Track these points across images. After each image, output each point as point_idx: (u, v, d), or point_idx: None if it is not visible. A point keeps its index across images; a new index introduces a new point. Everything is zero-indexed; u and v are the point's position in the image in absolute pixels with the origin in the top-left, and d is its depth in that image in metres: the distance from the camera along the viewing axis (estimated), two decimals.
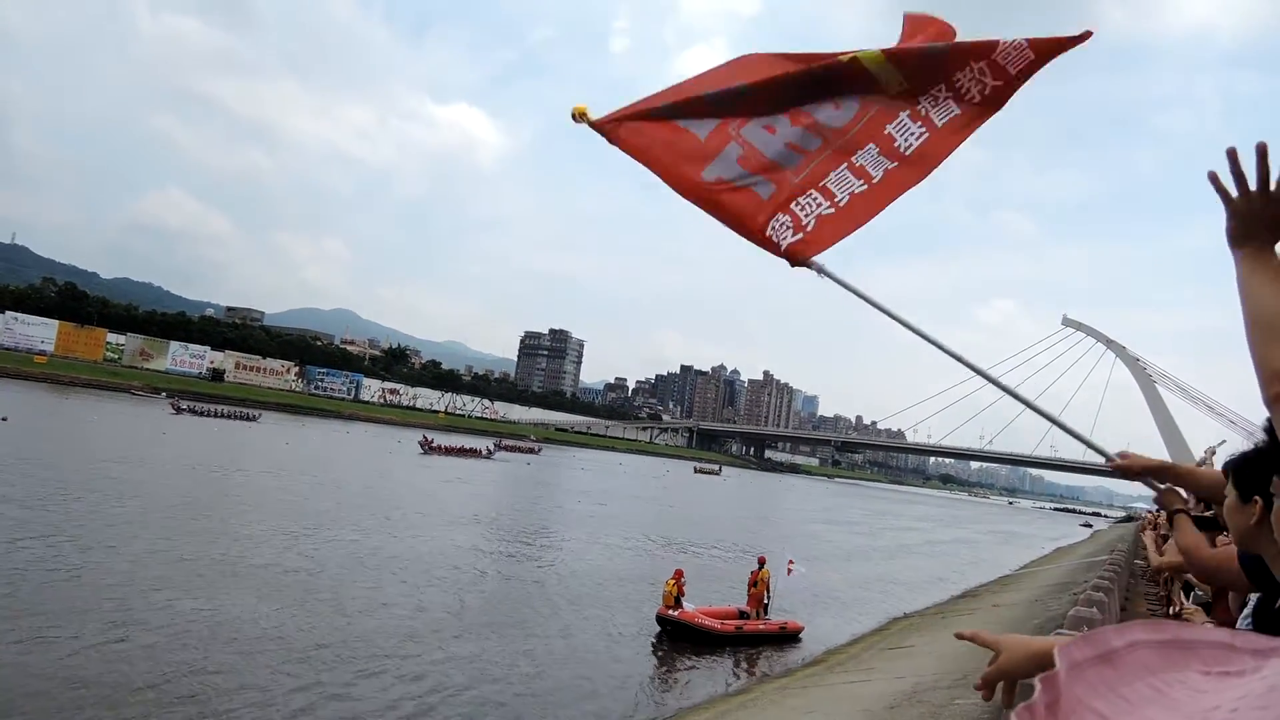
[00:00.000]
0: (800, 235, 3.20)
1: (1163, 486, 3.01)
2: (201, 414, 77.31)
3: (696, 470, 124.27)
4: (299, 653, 12.90)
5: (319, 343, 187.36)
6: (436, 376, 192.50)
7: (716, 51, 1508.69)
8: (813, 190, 3.25)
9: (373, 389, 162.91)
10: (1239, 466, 2.10)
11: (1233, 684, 0.57)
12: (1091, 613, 9.18)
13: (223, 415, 79.42)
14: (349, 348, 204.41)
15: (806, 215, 3.25)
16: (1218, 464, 4.50)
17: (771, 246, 3.22)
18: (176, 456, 38.13)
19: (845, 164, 3.22)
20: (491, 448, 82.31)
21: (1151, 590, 15.26)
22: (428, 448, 70.97)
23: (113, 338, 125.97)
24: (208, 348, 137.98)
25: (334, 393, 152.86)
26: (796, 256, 3.19)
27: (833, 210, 3.21)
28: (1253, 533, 2.05)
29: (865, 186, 3.19)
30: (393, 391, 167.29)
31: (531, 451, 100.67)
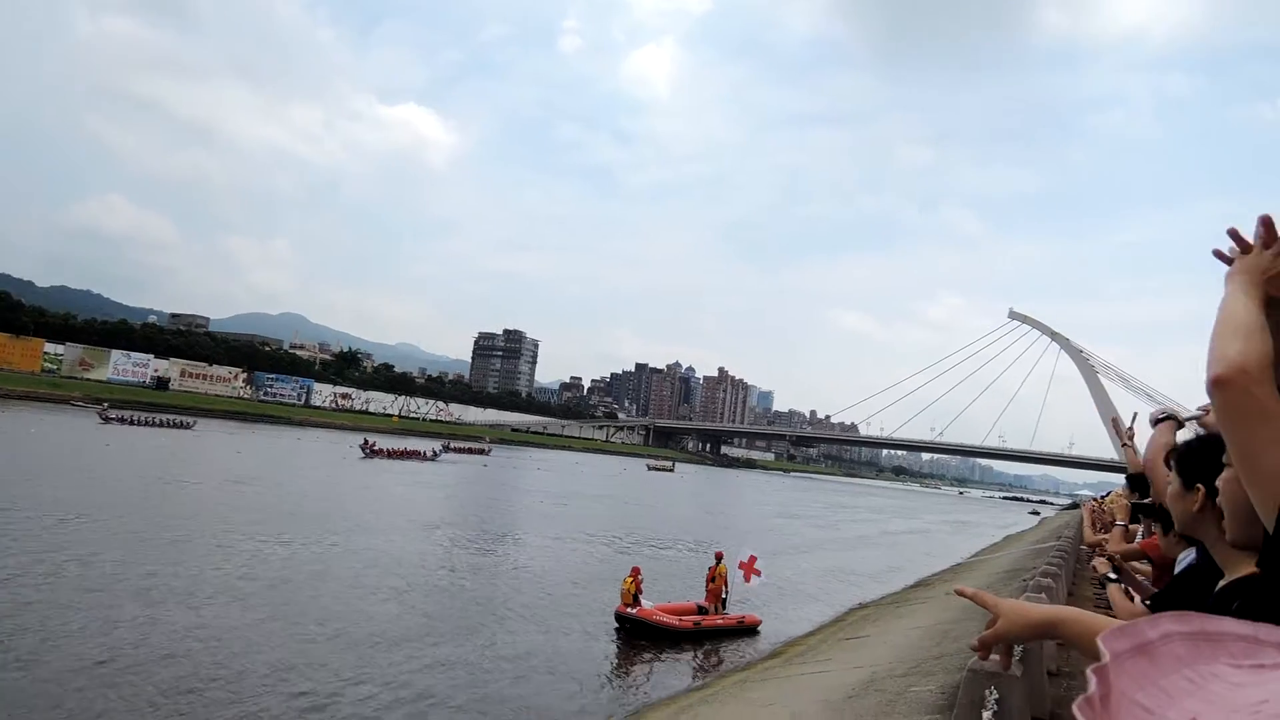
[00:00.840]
0: None
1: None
2: (132, 423, 74.30)
3: (650, 468, 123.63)
4: (278, 665, 12.73)
5: (267, 348, 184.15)
6: (389, 380, 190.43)
7: (666, 50, 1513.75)
8: None
9: (324, 394, 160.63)
10: (1183, 456, 2.19)
11: (1270, 677, 0.57)
12: (1040, 598, 9.42)
13: (156, 424, 76.23)
14: (298, 352, 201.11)
15: None
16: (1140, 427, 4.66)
17: None
18: (128, 468, 37.21)
19: None
20: (437, 450, 79.97)
21: (1095, 575, 15.65)
22: (369, 451, 68.79)
23: (51, 348, 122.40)
24: (151, 356, 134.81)
25: (284, 398, 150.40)
26: None
27: None
28: (1194, 519, 2.13)
29: None
30: (345, 396, 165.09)
31: (481, 453, 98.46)
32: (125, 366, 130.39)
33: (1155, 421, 3.31)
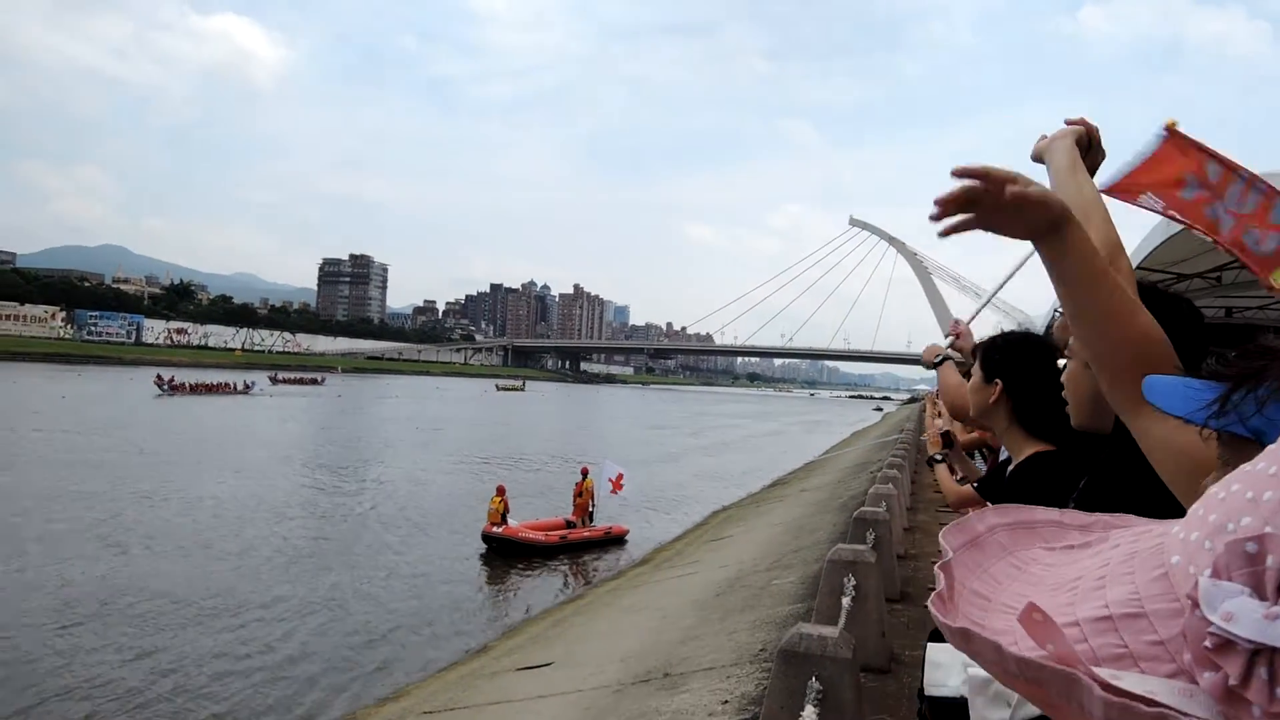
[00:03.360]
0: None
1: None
2: None
3: (499, 388, 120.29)
4: (128, 614, 12.09)
5: (87, 284, 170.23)
6: (228, 312, 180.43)
7: None
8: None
9: (157, 330, 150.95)
10: (985, 352, 2.38)
11: (1079, 556, 0.63)
12: (888, 488, 10.06)
13: None
14: (123, 287, 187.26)
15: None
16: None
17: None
18: None
19: None
20: (250, 382, 71.76)
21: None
22: (168, 387, 60.71)
23: None
24: None
25: (112, 337, 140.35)
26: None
27: None
28: (989, 409, 2.32)
29: None
30: (180, 331, 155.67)
31: (315, 383, 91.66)
32: None
33: (932, 365, 3.49)
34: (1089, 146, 1.75)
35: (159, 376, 63.32)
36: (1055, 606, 0.54)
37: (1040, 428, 2.22)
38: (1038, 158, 1.77)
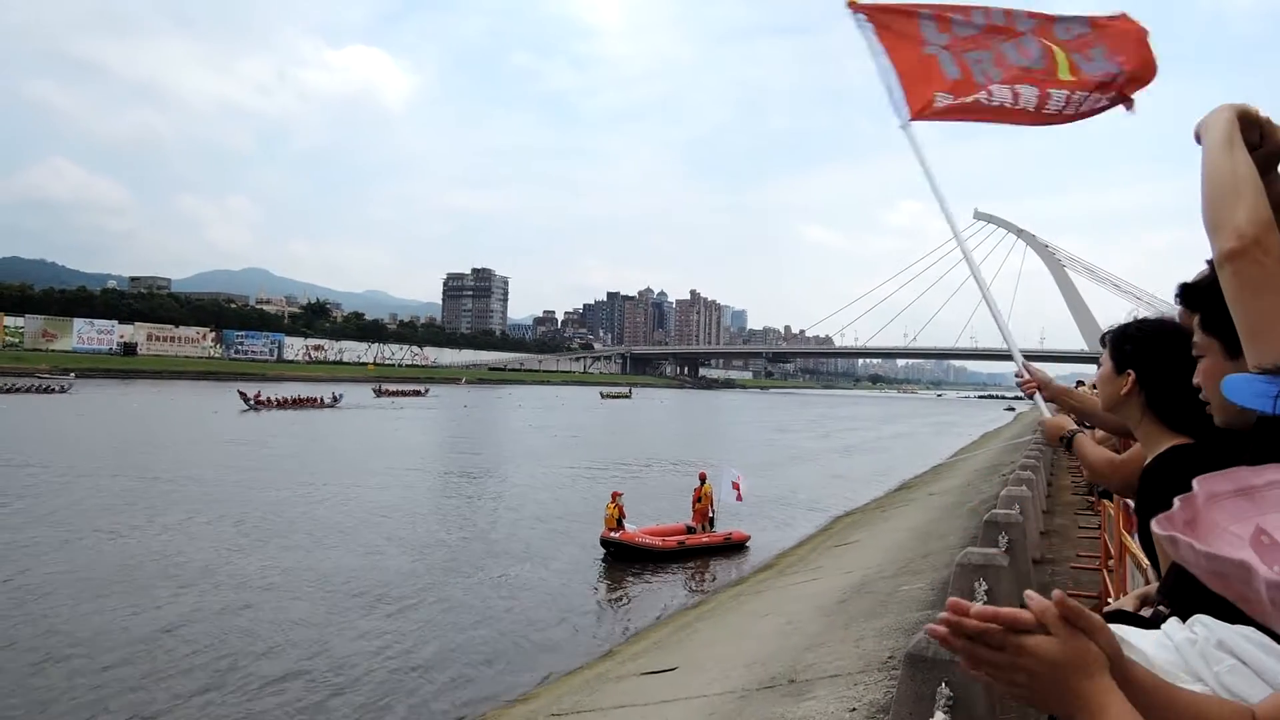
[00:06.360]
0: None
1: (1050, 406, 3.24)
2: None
3: (604, 396, 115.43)
4: (296, 620, 12.82)
5: (233, 305, 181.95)
6: (360, 328, 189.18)
7: None
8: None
9: (295, 347, 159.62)
10: (1117, 339, 2.22)
11: None
12: (1021, 490, 9.64)
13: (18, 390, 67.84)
14: (265, 308, 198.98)
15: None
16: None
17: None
18: (107, 437, 36.88)
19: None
20: (337, 395, 70.23)
21: (1074, 462, 16.00)
22: (253, 403, 59.36)
23: (10, 320, 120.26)
24: (115, 322, 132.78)
25: (256, 355, 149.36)
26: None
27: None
28: (1120, 402, 2.18)
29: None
30: (317, 348, 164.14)
31: (418, 394, 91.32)
32: (89, 334, 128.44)
33: (1064, 444, 3.01)
34: (1261, 137, 1.53)
35: (241, 392, 61.95)
36: None
37: (1177, 420, 2.05)
38: (1199, 137, 1.57)
